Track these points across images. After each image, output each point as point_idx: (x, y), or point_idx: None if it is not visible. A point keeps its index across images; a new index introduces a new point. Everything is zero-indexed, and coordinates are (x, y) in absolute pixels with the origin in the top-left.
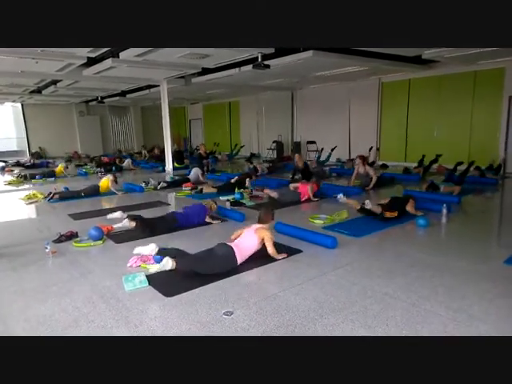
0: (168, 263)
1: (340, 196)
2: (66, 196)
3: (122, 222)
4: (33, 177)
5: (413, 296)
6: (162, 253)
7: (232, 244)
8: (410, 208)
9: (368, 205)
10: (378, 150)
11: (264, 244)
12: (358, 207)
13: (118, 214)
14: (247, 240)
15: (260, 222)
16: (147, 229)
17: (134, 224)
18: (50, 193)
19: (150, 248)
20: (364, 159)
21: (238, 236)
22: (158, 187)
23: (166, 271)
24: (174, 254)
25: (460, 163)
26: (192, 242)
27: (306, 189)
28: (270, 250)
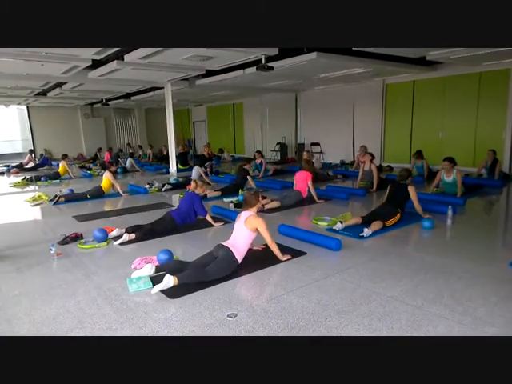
0: (170, 281)
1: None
2: (72, 198)
3: (121, 238)
4: (38, 179)
5: (418, 299)
6: (161, 269)
7: (228, 244)
8: (413, 197)
9: (367, 234)
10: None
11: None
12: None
13: (115, 233)
14: (240, 235)
15: (247, 206)
16: (147, 235)
17: (133, 236)
18: (56, 196)
19: (146, 270)
20: (372, 156)
21: None
22: (163, 189)
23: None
24: (173, 268)
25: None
26: (194, 244)
27: (302, 177)
28: (267, 239)
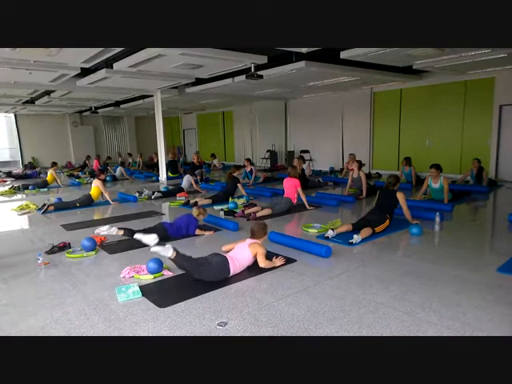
0: (169, 250)
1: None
2: (61, 207)
3: (110, 230)
4: (26, 187)
5: (407, 305)
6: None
7: (226, 255)
8: (402, 202)
9: (356, 240)
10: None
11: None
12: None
13: (105, 228)
14: (241, 252)
15: (253, 236)
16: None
17: (121, 232)
18: (44, 205)
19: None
20: (360, 164)
21: (230, 249)
22: (153, 197)
23: (160, 281)
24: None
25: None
26: (184, 252)
27: (290, 185)
28: (263, 264)
